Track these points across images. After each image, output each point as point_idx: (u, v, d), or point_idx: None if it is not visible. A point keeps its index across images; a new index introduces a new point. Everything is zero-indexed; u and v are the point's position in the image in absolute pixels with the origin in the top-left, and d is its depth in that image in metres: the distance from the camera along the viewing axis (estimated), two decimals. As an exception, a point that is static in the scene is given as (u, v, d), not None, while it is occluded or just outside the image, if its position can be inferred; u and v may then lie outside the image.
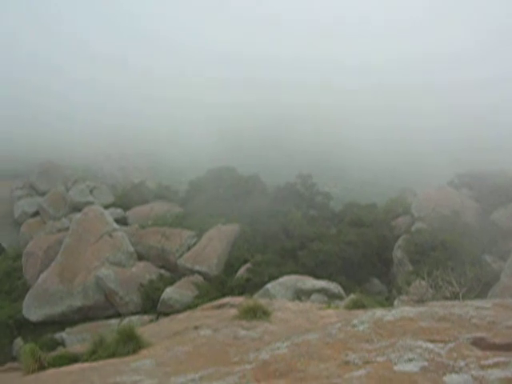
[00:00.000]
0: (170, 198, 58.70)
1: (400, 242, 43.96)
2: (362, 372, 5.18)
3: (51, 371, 9.08)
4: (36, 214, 58.92)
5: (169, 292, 40.13)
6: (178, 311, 28.33)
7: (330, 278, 36.38)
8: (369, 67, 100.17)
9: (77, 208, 54.54)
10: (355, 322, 7.23)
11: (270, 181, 60.22)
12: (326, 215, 53.25)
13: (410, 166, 70.50)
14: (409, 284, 29.20)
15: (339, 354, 5.96)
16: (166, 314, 32.01)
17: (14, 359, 25.32)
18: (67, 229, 48.83)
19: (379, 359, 5.47)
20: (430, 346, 5.60)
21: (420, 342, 5.73)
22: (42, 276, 43.50)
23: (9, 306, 43.32)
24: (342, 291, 33.80)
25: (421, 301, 18.50)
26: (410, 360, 5.27)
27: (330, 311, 12.04)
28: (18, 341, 40.26)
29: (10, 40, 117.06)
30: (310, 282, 34.07)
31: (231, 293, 33.02)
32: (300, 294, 32.44)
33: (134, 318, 36.81)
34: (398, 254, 43.11)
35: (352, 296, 19.08)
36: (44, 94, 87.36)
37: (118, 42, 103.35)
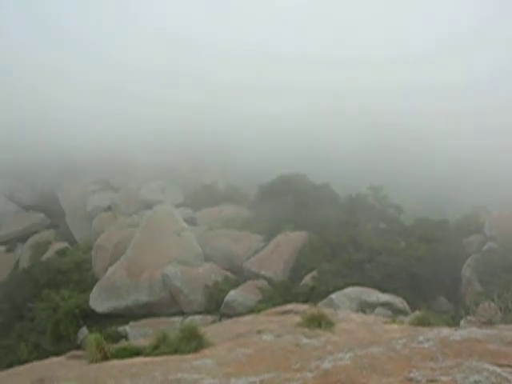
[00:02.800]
0: (239, 200, 58.90)
1: (470, 261, 42.91)
2: (425, 390, 5.09)
3: (114, 362, 9.23)
4: (108, 208, 60.08)
5: (233, 294, 40.24)
6: (241, 314, 28.39)
7: (395, 292, 35.76)
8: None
9: (148, 206, 55.37)
10: (421, 338, 7.10)
11: (340, 190, 59.76)
12: (396, 229, 52.41)
13: (485, 184, 68.78)
14: (477, 305, 28.42)
15: (403, 370, 5.86)
16: (229, 316, 32.14)
17: (78, 347, 25.85)
18: (137, 225, 49.63)
19: (444, 379, 5.36)
20: (498, 369, 5.44)
21: (487, 365, 5.58)
22: (111, 269, 44.35)
23: (77, 297, 44.22)
24: (407, 307, 33.25)
25: (489, 323, 17.97)
26: (476, 382, 5.14)
27: (395, 326, 11.86)
28: (84, 330, 41.16)
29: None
30: (375, 295, 33.65)
31: (295, 300, 32.80)
32: (364, 307, 32.07)
33: (197, 318, 37.07)
34: (467, 273, 42.09)
35: (417, 312, 18.73)
36: (116, 93, 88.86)
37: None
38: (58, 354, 13.68)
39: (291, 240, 46.40)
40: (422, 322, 12.12)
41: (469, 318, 27.47)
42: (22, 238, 59.29)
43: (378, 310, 31.68)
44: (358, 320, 12.74)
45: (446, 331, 7.40)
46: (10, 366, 19.13)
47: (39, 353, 37.03)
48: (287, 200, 54.59)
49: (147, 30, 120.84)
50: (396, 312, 30.83)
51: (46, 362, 11.40)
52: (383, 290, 35.09)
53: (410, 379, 5.52)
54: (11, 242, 58.86)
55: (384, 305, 32.59)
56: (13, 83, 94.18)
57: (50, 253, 54.60)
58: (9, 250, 57.39)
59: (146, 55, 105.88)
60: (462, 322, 25.00)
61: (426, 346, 6.70)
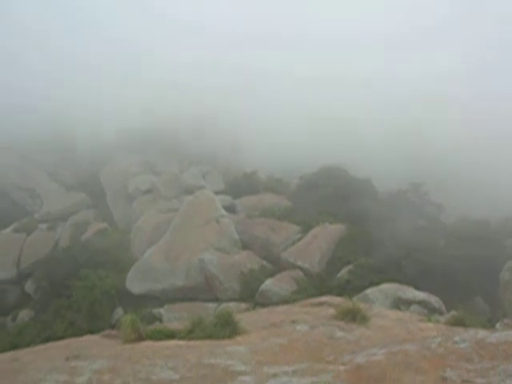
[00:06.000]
0: (279, 190, 58.77)
1: (510, 263, 42.30)
2: (459, 390, 5.04)
3: (148, 343, 9.34)
4: (148, 191, 60.40)
5: (268, 284, 40.32)
6: (275, 304, 28.42)
7: (431, 291, 35.39)
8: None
9: (188, 191, 55.59)
10: (456, 338, 7.03)
11: (380, 185, 59.26)
12: (436, 227, 51.86)
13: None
14: (514, 308, 28.13)
15: (437, 369, 5.81)
16: (263, 305, 32.21)
17: (112, 327, 26.20)
18: (177, 209, 49.98)
19: (479, 380, 5.30)
20: (534, 374, 5.37)
21: (523, 369, 5.51)
22: (148, 252, 44.82)
23: (114, 277, 44.78)
24: (442, 306, 32.95)
25: (526, 327, 17.76)
26: (512, 386, 5.08)
27: (430, 325, 11.77)
28: (119, 310, 41.77)
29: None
30: (411, 293, 33.39)
31: (330, 292, 32.67)
32: (399, 304, 31.87)
33: (232, 305, 37.19)
34: (505, 275, 41.39)
35: (453, 312, 18.54)
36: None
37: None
38: (92, 332, 13.92)
39: (329, 232, 46.24)
40: (458, 322, 12.00)
41: (505, 320, 27.20)
42: (63, 217, 60.06)
43: (413, 307, 31.46)
44: (393, 316, 12.67)
45: (482, 333, 7.30)
46: (46, 340, 19.51)
47: (74, 330, 37.61)
48: (327, 192, 54.30)
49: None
50: (431, 311, 30.59)
51: (82, 339, 11.58)
52: (419, 288, 34.78)
53: (445, 378, 5.47)
54: (52, 221, 59.66)
55: (419, 303, 32.35)
56: (58, 62, 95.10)
57: (89, 233, 55.32)
58: (50, 229, 58.19)
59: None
60: (499, 325, 24.72)
61: (462, 346, 6.63)
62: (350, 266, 41.81)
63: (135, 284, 43.20)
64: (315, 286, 39.97)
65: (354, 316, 10.56)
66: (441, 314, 28.73)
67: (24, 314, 47.78)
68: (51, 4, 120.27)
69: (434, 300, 32.83)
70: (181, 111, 73.01)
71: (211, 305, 39.21)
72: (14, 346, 25.08)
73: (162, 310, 39.85)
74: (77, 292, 43.55)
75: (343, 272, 41.42)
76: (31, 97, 79.78)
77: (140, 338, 9.97)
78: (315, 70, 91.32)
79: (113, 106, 76.59)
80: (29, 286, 51.43)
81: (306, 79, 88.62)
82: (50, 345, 11.29)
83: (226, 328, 9.70)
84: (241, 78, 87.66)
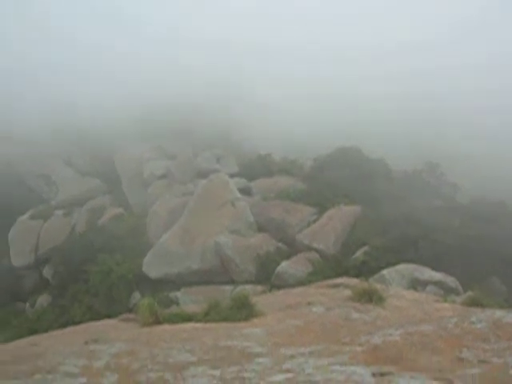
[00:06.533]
0: (294, 172, 58.67)
1: (526, 244, 42.09)
2: (475, 370, 5.04)
3: (166, 326, 9.41)
4: (163, 176, 60.56)
5: (284, 266, 40.40)
6: (291, 285, 28.52)
7: (447, 271, 35.33)
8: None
9: (203, 174, 55.61)
10: (473, 319, 7.03)
11: (395, 165, 59.04)
12: (452, 207, 51.64)
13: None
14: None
15: (453, 349, 5.82)
16: (279, 287, 32.26)
17: (130, 311, 26.43)
18: (192, 193, 50.11)
19: (495, 360, 5.30)
20: (552, 353, 5.36)
21: (540, 348, 5.50)
22: (164, 236, 45.01)
23: (130, 262, 45.12)
24: (459, 286, 32.89)
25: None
26: (529, 365, 5.07)
27: (446, 305, 11.77)
28: (136, 294, 42.12)
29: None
30: (428, 273, 33.35)
31: (346, 273, 32.68)
32: (416, 284, 31.85)
33: (248, 287, 37.33)
34: (522, 256, 41.29)
35: (470, 293, 18.51)
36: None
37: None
38: (110, 316, 14.02)
39: (344, 214, 46.20)
40: (475, 303, 11.98)
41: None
42: (79, 203, 60.38)
43: (429, 288, 31.43)
44: (409, 297, 12.68)
45: (499, 313, 7.29)
46: (64, 325, 19.71)
47: (92, 314, 38.03)
48: (342, 174, 54.12)
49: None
50: (448, 291, 30.53)
51: (100, 323, 11.70)
52: (435, 268, 34.73)
53: (461, 359, 5.47)
54: (68, 207, 60.01)
55: (436, 283, 32.31)
56: (70, 49, 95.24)
57: (105, 218, 55.67)
58: (66, 215, 58.55)
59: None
60: (516, 304, 24.62)
61: (478, 326, 6.63)
62: (366, 247, 41.78)
63: (152, 268, 43.45)
64: (331, 267, 39.99)
65: (370, 297, 10.57)
66: (457, 294, 28.67)
67: (42, 300, 48.33)
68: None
69: (450, 280, 32.78)
70: (192, 93, 73.01)
71: (227, 287, 39.38)
72: (33, 331, 25.33)
73: (178, 294, 40.11)
74: (94, 277, 43.98)
75: (359, 253, 41.41)
76: (45, 84, 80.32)
77: (157, 322, 10.06)
78: (327, 42, 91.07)
79: (126, 91, 76.70)
80: (46, 272, 51.99)
81: (317, 52, 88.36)
82: (68, 329, 11.42)
83: (243, 310, 9.75)
84: (253, 55, 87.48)
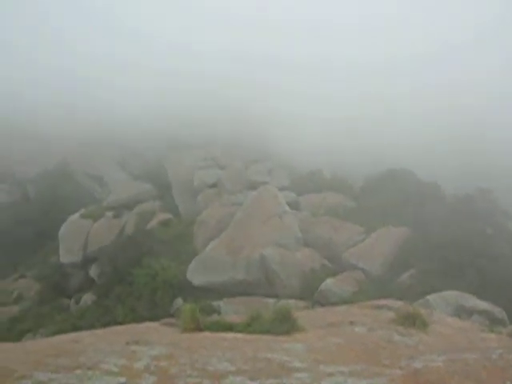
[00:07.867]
0: (343, 190, 58.37)
1: None
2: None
3: (206, 334, 9.46)
4: (214, 185, 60.85)
5: (329, 283, 40.10)
6: (334, 303, 28.34)
7: (494, 301, 34.60)
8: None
9: (253, 186, 55.73)
10: (519, 351, 6.87)
11: (446, 189, 58.25)
12: (502, 235, 50.64)
13: None
14: None
15: (497, 381, 5.70)
16: (322, 304, 32.12)
17: (171, 316, 26.62)
18: (241, 204, 50.22)
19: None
20: None
21: None
22: (211, 245, 45.18)
23: (175, 267, 45.35)
24: (505, 317, 32.18)
25: None
26: None
27: (492, 335, 11.52)
28: (179, 300, 42.25)
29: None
30: (474, 302, 32.71)
31: (390, 296, 32.28)
32: (461, 312, 31.24)
33: (291, 302, 37.15)
34: None
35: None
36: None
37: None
38: (152, 319, 14.18)
39: (392, 235, 45.70)
40: (522, 335, 11.72)
41: None
42: (129, 206, 61.14)
43: (474, 317, 30.81)
44: (454, 324, 12.47)
45: (547, 346, 7.12)
46: (106, 324, 19.97)
47: (134, 316, 38.36)
48: (392, 195, 53.67)
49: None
50: (494, 321, 29.87)
51: (142, 325, 11.83)
52: (482, 297, 34.06)
53: (505, 390, 5.36)
54: (118, 209, 60.77)
55: (481, 313, 31.66)
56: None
57: (154, 222, 56.19)
58: (115, 216, 59.30)
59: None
60: None
61: (524, 358, 6.47)
62: (412, 270, 41.22)
63: (196, 275, 43.61)
64: (376, 288, 39.53)
65: (413, 321, 10.44)
66: (504, 325, 28.02)
67: (87, 298, 49.05)
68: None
69: (497, 311, 32.08)
70: (243, 109, 73.54)
71: (270, 300, 39.21)
72: (76, 328, 25.75)
73: (220, 303, 40.13)
74: (139, 279, 44.37)
75: (405, 276, 40.88)
76: (102, 88, 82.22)
77: (198, 329, 10.11)
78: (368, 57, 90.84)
79: (176, 100, 77.69)
80: (93, 271, 52.79)
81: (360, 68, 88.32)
82: (110, 329, 11.56)
83: (284, 324, 9.73)
84: (299, 76, 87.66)
